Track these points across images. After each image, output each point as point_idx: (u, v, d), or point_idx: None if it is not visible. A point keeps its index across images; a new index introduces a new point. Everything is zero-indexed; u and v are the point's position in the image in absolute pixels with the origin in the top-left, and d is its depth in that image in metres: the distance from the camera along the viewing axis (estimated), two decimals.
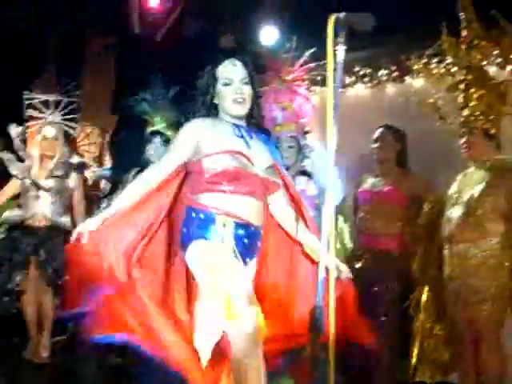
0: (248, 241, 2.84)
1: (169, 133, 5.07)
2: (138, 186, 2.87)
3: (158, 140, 4.94)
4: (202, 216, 2.80)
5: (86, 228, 2.77)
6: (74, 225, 5.00)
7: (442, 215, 4.00)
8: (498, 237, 3.74)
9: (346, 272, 2.92)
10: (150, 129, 5.10)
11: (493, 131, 3.91)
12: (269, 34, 5.50)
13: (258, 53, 4.94)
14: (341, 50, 1.97)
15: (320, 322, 2.20)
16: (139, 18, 5.30)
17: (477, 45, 4.16)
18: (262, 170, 2.88)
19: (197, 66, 5.64)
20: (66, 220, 5.14)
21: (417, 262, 4.23)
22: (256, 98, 2.96)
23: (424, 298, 4.21)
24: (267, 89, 4.60)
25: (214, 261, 2.76)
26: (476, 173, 3.89)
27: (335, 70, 2.00)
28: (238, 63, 2.91)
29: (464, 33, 4.21)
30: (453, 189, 3.99)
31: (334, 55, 1.99)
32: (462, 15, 4.22)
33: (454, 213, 3.87)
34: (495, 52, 4.37)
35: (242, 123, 2.94)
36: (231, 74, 2.89)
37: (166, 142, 4.97)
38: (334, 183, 2.87)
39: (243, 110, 2.90)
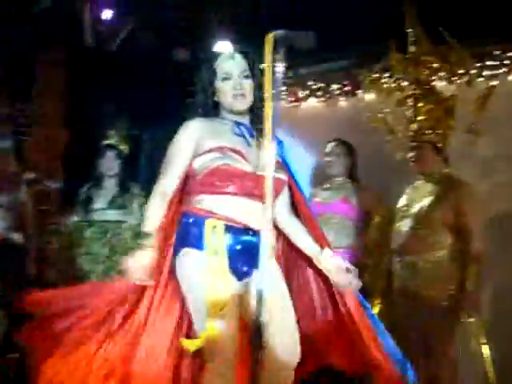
0: (246, 247, 2.58)
1: (122, 146, 5.03)
2: (156, 206, 2.65)
3: (111, 154, 4.91)
4: (191, 220, 2.60)
5: (140, 262, 2.51)
6: (26, 241, 4.92)
7: (391, 228, 4.06)
8: (446, 249, 3.81)
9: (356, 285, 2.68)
10: (102, 142, 5.05)
11: (441, 145, 3.99)
12: (222, 48, 5.50)
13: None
14: (280, 67, 1.94)
15: (261, 336, 1.98)
16: (91, 31, 5.25)
17: (425, 61, 4.26)
18: (262, 168, 2.55)
19: (150, 79, 5.67)
20: (18, 236, 5.04)
21: (368, 274, 4.27)
22: (258, 90, 2.72)
23: (375, 310, 4.24)
24: None
25: (199, 269, 2.50)
26: (425, 186, 3.97)
27: (274, 87, 1.96)
28: (237, 55, 2.71)
29: (412, 49, 4.30)
30: (402, 202, 4.05)
31: (273, 72, 1.96)
32: (410, 32, 4.32)
33: (404, 225, 3.93)
34: (443, 67, 4.44)
35: (245, 120, 2.75)
36: (230, 68, 2.68)
37: (119, 155, 4.96)
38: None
39: (244, 105, 2.70)
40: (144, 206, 4.82)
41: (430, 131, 4.01)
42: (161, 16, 5.46)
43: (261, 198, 2.46)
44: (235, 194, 2.58)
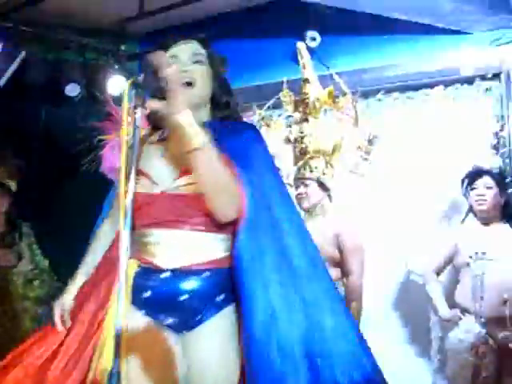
0: (164, 292, 2.04)
1: (9, 183, 4.93)
2: (95, 243, 2.33)
3: None
4: None
5: (59, 306, 2.23)
6: None
7: None
8: None
9: None
10: None
11: (326, 182, 4.12)
12: (116, 84, 5.46)
13: (105, 102, 4.91)
14: (138, 113, 1.85)
15: None
16: None
17: (313, 101, 4.40)
18: (177, 182, 2.06)
19: (39, 115, 5.56)
20: None
21: None
22: (221, 85, 2.24)
23: None
24: (112, 138, 4.59)
25: None
26: (309, 222, 4.07)
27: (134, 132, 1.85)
28: (194, 41, 2.24)
29: (304, 89, 4.44)
30: None
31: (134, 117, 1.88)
32: (302, 73, 4.47)
33: None
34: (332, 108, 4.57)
35: (199, 114, 2.14)
36: (177, 51, 2.19)
37: (7, 192, 4.86)
38: None
39: (191, 95, 2.10)
40: (33, 245, 4.80)
41: (318, 169, 4.13)
42: (52, 51, 5.39)
43: (182, 223, 2.04)
44: (144, 225, 2.10)
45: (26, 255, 4.78)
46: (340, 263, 3.96)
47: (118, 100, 4.91)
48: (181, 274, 2.05)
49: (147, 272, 2.09)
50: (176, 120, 1.87)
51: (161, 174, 2.09)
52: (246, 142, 2.15)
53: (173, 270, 2.05)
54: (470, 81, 4.66)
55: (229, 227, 2.07)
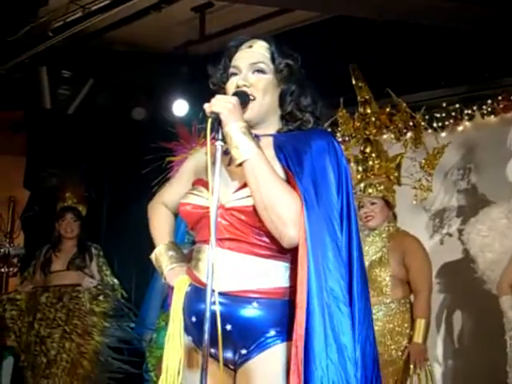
0: (211, 318, 1.74)
1: (80, 208, 5.06)
2: (158, 219, 2.22)
3: (69, 216, 4.94)
4: None
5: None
6: None
7: None
8: (397, 301, 3.88)
9: None
10: (60, 204, 5.08)
11: (391, 200, 4.07)
12: (181, 106, 5.54)
13: (172, 123, 4.98)
14: (219, 145, 1.82)
15: None
16: (49, 93, 5.31)
17: (373, 121, 4.34)
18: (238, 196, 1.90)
19: (108, 141, 5.71)
20: None
21: None
22: (286, 94, 2.01)
23: None
24: (181, 159, 4.64)
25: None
26: (376, 241, 4.02)
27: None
28: (258, 44, 2.04)
29: (361, 109, 4.39)
30: None
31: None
32: (358, 94, 4.40)
33: None
34: (390, 126, 4.45)
35: (262, 130, 2.00)
36: (239, 60, 2.03)
37: (78, 217, 4.99)
38: None
39: (249, 108, 1.95)
40: (103, 266, 4.92)
41: (382, 187, 4.08)
42: (119, 76, 5.53)
43: (236, 242, 1.88)
44: (201, 240, 1.99)
45: (96, 276, 4.91)
46: (407, 281, 3.90)
47: (184, 121, 4.97)
48: (228, 299, 1.86)
49: (196, 292, 1.93)
50: (226, 131, 1.83)
51: (222, 187, 1.85)
52: (314, 153, 1.90)
53: (221, 294, 1.84)
54: None
55: (289, 253, 1.87)
